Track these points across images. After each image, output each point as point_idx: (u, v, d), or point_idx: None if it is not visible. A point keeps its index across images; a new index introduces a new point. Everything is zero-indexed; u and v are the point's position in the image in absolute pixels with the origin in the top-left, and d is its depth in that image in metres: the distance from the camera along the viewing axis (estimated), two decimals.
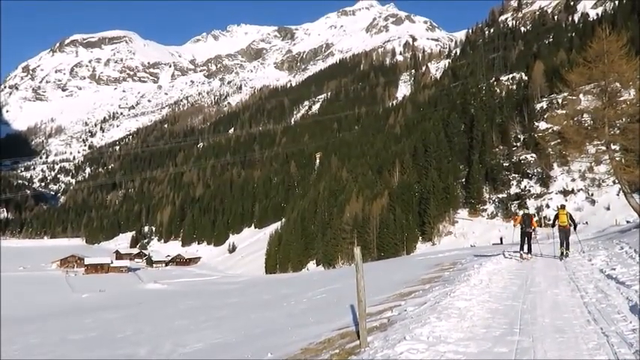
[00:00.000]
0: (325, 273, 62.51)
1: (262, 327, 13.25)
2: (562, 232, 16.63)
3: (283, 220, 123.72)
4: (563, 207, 17.77)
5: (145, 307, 34.24)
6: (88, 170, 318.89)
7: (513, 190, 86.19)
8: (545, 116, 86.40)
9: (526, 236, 17.14)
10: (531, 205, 76.98)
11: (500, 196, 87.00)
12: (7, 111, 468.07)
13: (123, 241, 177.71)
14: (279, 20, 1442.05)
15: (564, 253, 16.22)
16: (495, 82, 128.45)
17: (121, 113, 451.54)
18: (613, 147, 24.21)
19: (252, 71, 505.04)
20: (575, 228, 17.41)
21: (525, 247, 17.17)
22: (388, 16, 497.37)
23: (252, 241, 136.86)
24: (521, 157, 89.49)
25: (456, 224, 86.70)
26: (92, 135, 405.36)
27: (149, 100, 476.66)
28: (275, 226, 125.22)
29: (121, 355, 12.64)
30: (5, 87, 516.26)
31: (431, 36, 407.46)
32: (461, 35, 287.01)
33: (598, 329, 6.30)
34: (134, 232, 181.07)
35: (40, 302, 59.31)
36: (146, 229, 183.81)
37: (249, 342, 11.09)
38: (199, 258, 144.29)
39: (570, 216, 17.32)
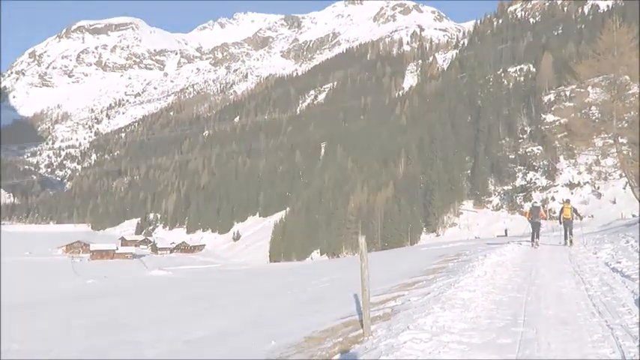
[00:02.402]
0: (329, 262, 62.65)
1: (265, 315, 13.30)
2: (566, 224, 18.25)
3: (288, 209, 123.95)
4: (568, 201, 19.49)
5: (149, 293, 34.44)
6: (93, 157, 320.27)
7: (519, 182, 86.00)
8: (553, 108, 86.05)
9: (535, 226, 18.62)
10: (537, 197, 76.86)
11: (505, 188, 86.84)
12: (14, 97, 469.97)
13: (128, 228, 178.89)
14: (286, 9, 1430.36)
15: (567, 242, 17.71)
16: (503, 74, 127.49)
17: (127, 100, 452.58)
18: (620, 140, 24.05)
19: (258, 60, 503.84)
20: (580, 218, 19.38)
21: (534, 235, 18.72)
22: (396, 6, 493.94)
23: (257, 230, 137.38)
24: (527, 150, 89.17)
25: (460, 216, 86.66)
26: (98, 122, 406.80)
27: (155, 88, 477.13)
28: (280, 214, 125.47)
29: (124, 341, 12.72)
30: (12, 73, 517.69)
31: (439, 26, 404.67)
32: (469, 26, 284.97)
33: (602, 322, 6.27)
34: (139, 219, 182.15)
35: (45, 287, 59.77)
36: (151, 216, 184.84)
37: (253, 329, 11.13)
38: (204, 246, 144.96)
39: (574, 209, 18.98)
